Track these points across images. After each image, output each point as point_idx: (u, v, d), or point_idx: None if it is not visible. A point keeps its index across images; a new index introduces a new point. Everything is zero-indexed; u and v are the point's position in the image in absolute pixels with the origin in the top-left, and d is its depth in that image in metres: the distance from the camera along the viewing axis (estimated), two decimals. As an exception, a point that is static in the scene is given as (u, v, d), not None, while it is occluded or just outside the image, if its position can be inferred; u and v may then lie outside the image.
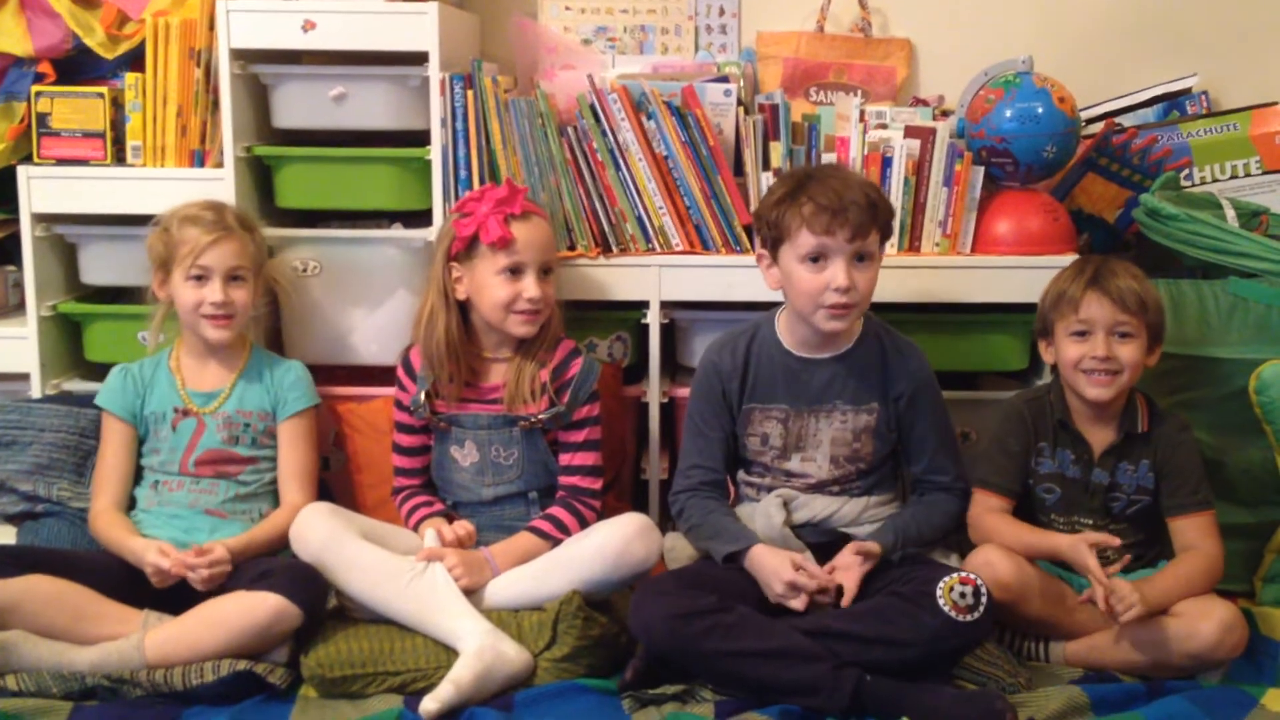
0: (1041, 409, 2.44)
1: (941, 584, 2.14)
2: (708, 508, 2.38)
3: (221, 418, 2.48)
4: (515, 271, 2.42)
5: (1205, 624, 2.19)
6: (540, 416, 2.46)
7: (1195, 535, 2.33)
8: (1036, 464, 2.42)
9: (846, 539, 2.33)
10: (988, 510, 2.40)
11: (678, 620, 2.13)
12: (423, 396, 2.49)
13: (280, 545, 2.40)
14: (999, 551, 2.29)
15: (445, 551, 2.36)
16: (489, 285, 2.43)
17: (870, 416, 2.39)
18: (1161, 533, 2.40)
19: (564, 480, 2.49)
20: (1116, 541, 2.26)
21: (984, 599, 2.13)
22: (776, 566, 2.24)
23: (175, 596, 2.27)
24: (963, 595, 2.13)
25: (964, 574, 2.16)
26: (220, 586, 2.28)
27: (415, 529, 2.49)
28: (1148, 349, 2.36)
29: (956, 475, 2.44)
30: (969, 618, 2.12)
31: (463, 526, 2.43)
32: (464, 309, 2.49)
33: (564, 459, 2.50)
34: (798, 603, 2.21)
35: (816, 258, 2.28)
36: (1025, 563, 2.30)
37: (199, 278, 2.44)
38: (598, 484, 2.51)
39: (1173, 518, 2.36)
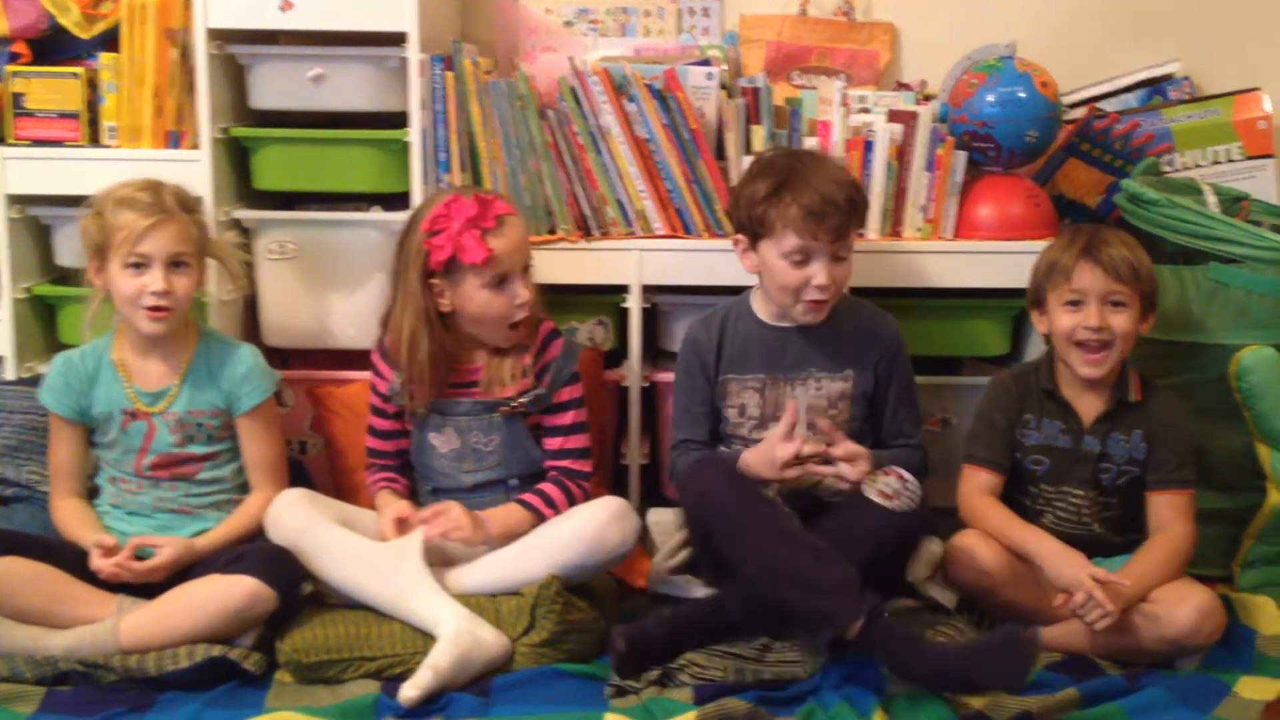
0: (1028, 380, 2.45)
1: (866, 480, 2.22)
2: (701, 458, 2.40)
3: (172, 419, 2.40)
4: (502, 281, 2.39)
5: (1182, 610, 2.19)
6: (521, 400, 2.44)
7: (1170, 514, 2.34)
8: (1023, 435, 2.42)
9: (826, 508, 2.35)
10: (978, 490, 2.40)
11: (735, 488, 2.20)
12: (398, 384, 2.47)
13: (253, 535, 2.37)
14: (981, 537, 2.31)
15: (448, 505, 2.36)
16: (476, 299, 2.38)
17: (846, 383, 2.42)
18: (1139, 509, 2.40)
19: (555, 464, 2.48)
20: (1122, 583, 2.22)
21: (909, 485, 2.21)
22: (763, 453, 2.30)
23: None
24: (887, 484, 2.21)
25: (887, 469, 2.23)
26: (194, 570, 2.26)
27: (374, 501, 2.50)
28: (1141, 317, 2.37)
29: (918, 437, 2.51)
30: (898, 503, 2.20)
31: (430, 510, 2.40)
32: (445, 318, 2.44)
33: (553, 443, 2.48)
34: (791, 472, 2.28)
35: (800, 257, 2.31)
36: (1004, 549, 2.30)
37: (137, 265, 2.32)
38: (589, 466, 2.50)
39: (1152, 491, 2.37)
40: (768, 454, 2.30)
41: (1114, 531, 2.39)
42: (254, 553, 2.26)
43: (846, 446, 2.29)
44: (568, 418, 2.48)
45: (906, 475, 2.22)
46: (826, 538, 2.17)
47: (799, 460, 2.27)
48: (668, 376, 2.69)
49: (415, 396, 2.44)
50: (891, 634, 2.10)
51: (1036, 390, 2.43)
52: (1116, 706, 2.09)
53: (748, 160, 2.67)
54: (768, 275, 2.37)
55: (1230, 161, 2.90)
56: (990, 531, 2.33)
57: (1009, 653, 2.07)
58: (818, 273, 2.31)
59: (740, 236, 2.39)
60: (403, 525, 2.36)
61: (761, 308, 2.45)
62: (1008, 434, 2.42)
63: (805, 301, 2.34)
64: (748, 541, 2.16)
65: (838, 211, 2.29)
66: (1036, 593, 2.30)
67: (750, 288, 2.50)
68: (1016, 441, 2.43)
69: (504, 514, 2.41)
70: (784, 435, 2.30)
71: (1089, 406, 2.41)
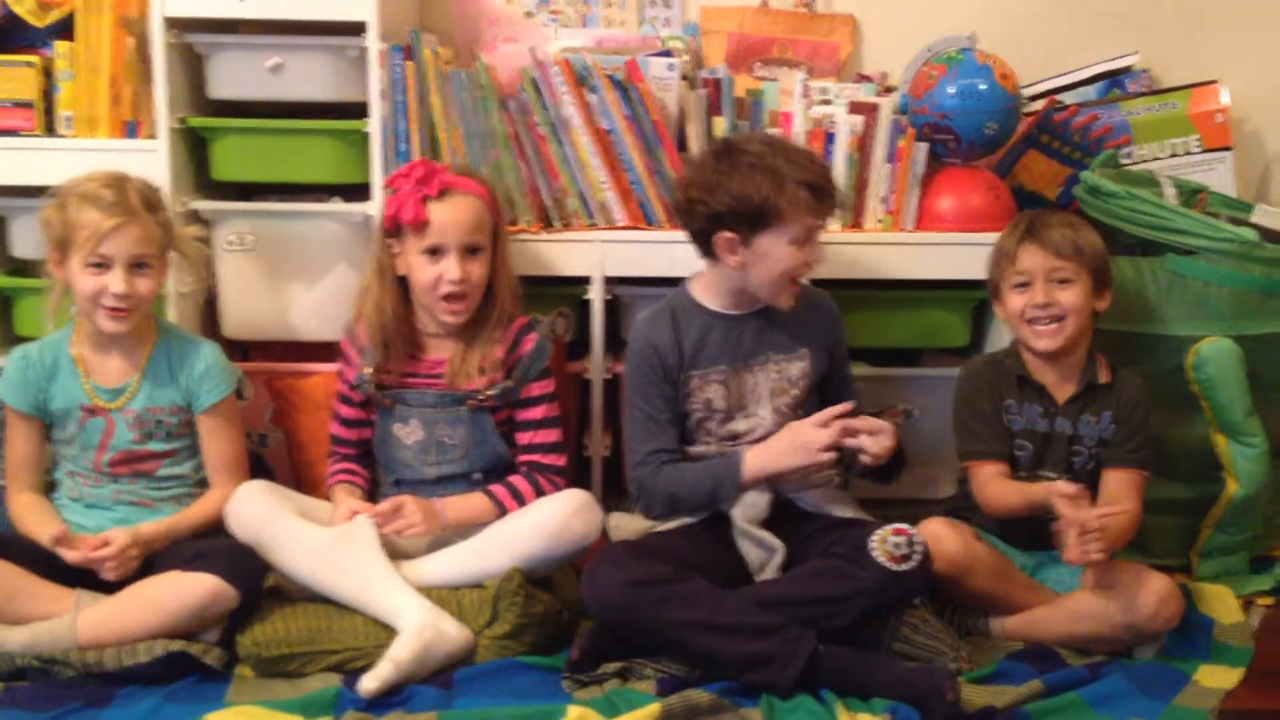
0: (1000, 368, 2.47)
1: (875, 536, 2.18)
2: (679, 471, 2.37)
3: (131, 415, 2.37)
4: (435, 252, 2.39)
5: (1142, 595, 2.22)
6: (489, 394, 2.43)
7: (1123, 492, 2.37)
8: (1008, 422, 2.44)
9: (792, 507, 2.35)
10: (988, 481, 2.40)
11: (633, 587, 2.13)
12: (367, 371, 2.46)
13: (208, 529, 2.35)
14: (945, 525, 2.33)
15: (400, 500, 2.34)
16: (415, 265, 2.41)
17: (802, 362, 2.43)
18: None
19: (525, 458, 2.47)
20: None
21: (918, 547, 2.18)
22: (794, 443, 2.30)
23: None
24: (896, 545, 2.17)
25: (896, 525, 2.20)
26: (155, 566, 2.24)
27: (329, 493, 2.49)
28: (1094, 293, 2.40)
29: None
30: (904, 566, 2.16)
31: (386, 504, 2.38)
32: (405, 285, 2.46)
33: (524, 438, 2.48)
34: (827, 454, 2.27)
35: (804, 239, 2.31)
36: (971, 537, 2.33)
37: (99, 265, 2.28)
38: (561, 460, 2.49)
39: (1108, 468, 2.40)
40: (801, 441, 2.29)
41: None
42: (216, 550, 2.24)
43: (868, 421, 2.28)
44: (538, 412, 2.48)
45: (915, 535, 2.19)
46: (824, 592, 2.17)
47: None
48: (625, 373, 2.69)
49: (377, 365, 2.44)
50: (831, 665, 2.10)
51: (1012, 376, 2.45)
52: (1078, 696, 2.11)
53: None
54: (762, 266, 2.33)
55: (1188, 154, 2.92)
56: (1007, 501, 2.34)
57: (930, 687, 2.06)
58: (815, 251, 2.34)
59: (728, 235, 2.32)
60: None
61: (710, 298, 2.42)
62: (996, 418, 2.44)
63: (795, 285, 2.36)
64: (661, 635, 2.15)
65: (831, 184, 2.35)
66: (1000, 581, 2.32)
67: (684, 280, 2.48)
68: (1006, 429, 2.44)
69: (463, 503, 2.40)
70: (823, 421, 2.28)
71: (1060, 389, 2.43)
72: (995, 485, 2.39)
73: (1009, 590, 2.32)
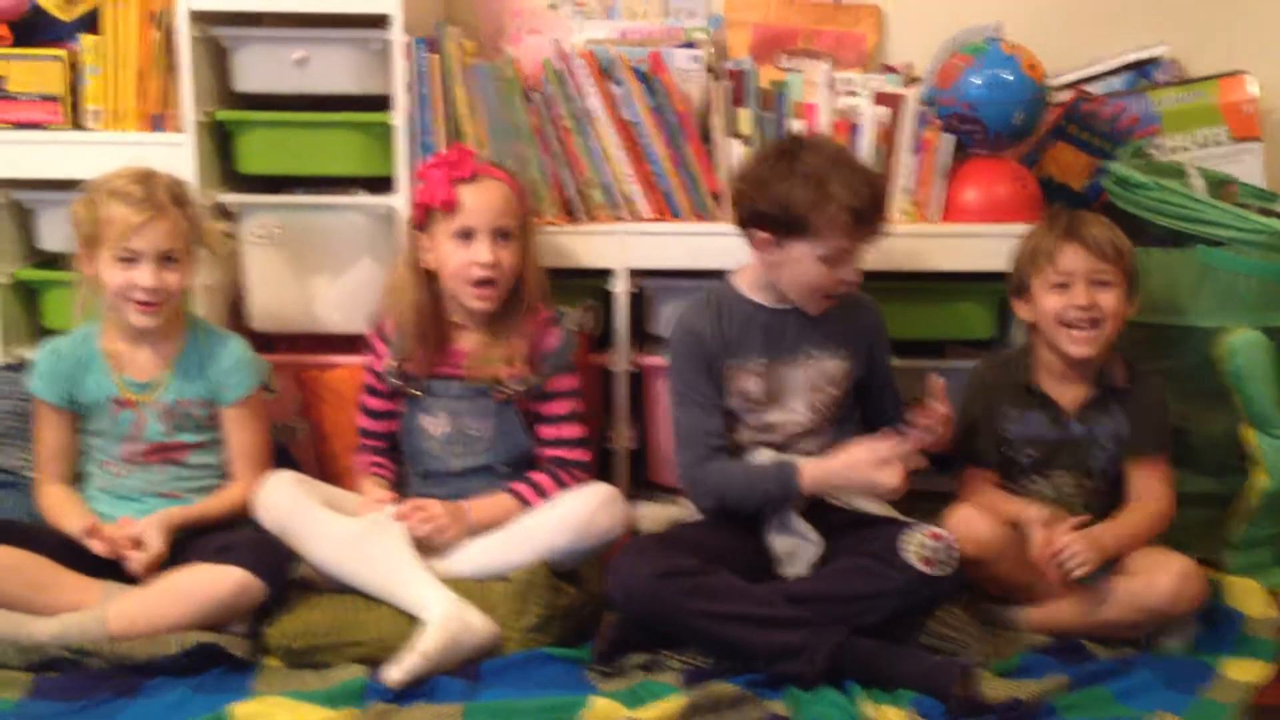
0: (1005, 372, 2.46)
1: (909, 539, 2.18)
2: (725, 469, 2.36)
3: (160, 408, 2.39)
4: (466, 236, 2.40)
5: (1162, 577, 2.21)
6: (515, 388, 2.43)
7: (1148, 480, 2.38)
8: (1003, 429, 2.42)
9: (821, 502, 2.34)
10: (972, 489, 2.42)
11: (659, 580, 2.13)
12: (394, 364, 2.46)
13: (230, 521, 2.36)
14: (976, 510, 2.32)
15: (425, 503, 2.35)
16: (445, 251, 2.41)
17: (842, 362, 2.42)
18: (1120, 490, 2.42)
19: (548, 453, 2.48)
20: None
21: (952, 551, 2.17)
22: (854, 463, 2.26)
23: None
24: (929, 549, 2.17)
25: (929, 528, 2.19)
26: (182, 558, 2.25)
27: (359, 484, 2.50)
28: (1127, 298, 2.38)
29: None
30: (936, 570, 2.16)
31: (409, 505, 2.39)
32: (434, 280, 2.46)
33: (547, 432, 2.48)
34: (895, 479, 2.22)
35: (837, 258, 2.30)
36: (1002, 524, 2.31)
37: (128, 260, 2.31)
38: (585, 455, 2.49)
39: (1130, 459, 2.39)
40: (860, 478, 2.26)
41: (1101, 514, 2.40)
42: (243, 542, 2.25)
43: (921, 423, 2.28)
44: (562, 407, 2.48)
45: (949, 538, 2.18)
46: (853, 590, 2.17)
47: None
48: (654, 361, 2.69)
49: (404, 358, 2.44)
50: (856, 658, 2.11)
51: (1015, 383, 2.43)
52: (1103, 689, 2.10)
53: (734, 144, 2.67)
54: (791, 270, 2.33)
55: (1217, 144, 2.90)
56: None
57: (949, 679, 2.06)
58: (848, 270, 2.32)
59: (763, 234, 2.33)
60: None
61: (754, 291, 2.42)
62: (988, 427, 2.43)
63: (826, 296, 2.35)
64: (686, 627, 2.15)
65: (878, 209, 2.32)
66: (1028, 569, 2.31)
67: (728, 272, 2.48)
68: (999, 436, 2.43)
69: (489, 504, 2.41)
70: (882, 460, 2.24)
71: (1071, 395, 2.41)
72: (975, 494, 2.40)
73: (1037, 580, 2.31)
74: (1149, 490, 2.37)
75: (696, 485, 2.38)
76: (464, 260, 2.39)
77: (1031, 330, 2.48)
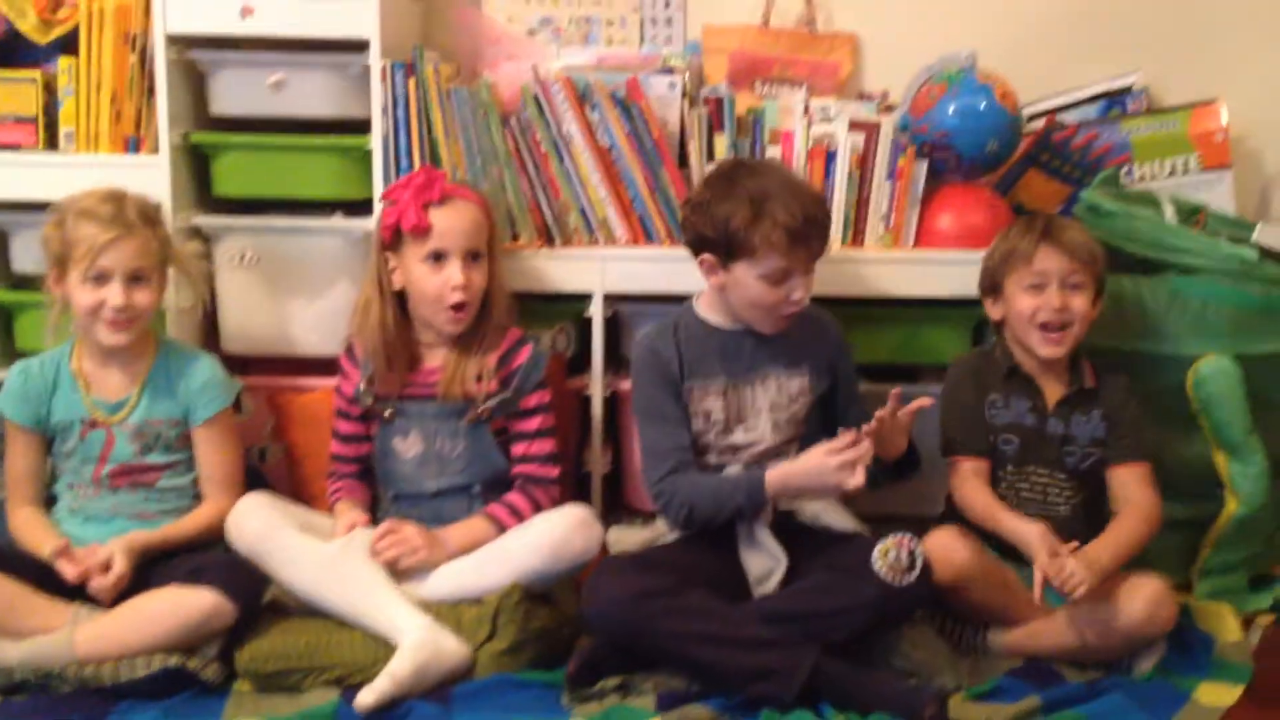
0: (988, 360, 2.49)
1: (877, 549, 2.18)
2: (693, 480, 2.35)
3: (130, 429, 2.38)
4: (438, 258, 2.40)
5: (1134, 601, 2.23)
6: (487, 405, 2.43)
7: (1134, 485, 2.40)
8: (992, 415, 2.45)
9: (790, 521, 2.35)
10: (965, 477, 2.43)
11: (634, 600, 2.13)
12: (364, 385, 2.46)
13: (201, 543, 2.35)
14: (957, 535, 2.33)
15: (399, 524, 2.35)
16: (416, 274, 2.41)
17: (803, 379, 2.42)
18: (1104, 495, 2.44)
19: (520, 469, 2.47)
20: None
21: (918, 559, 2.18)
22: (809, 464, 2.25)
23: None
24: (898, 558, 2.17)
25: (896, 536, 2.20)
26: (152, 580, 2.23)
27: (332, 508, 2.50)
28: (1095, 300, 2.43)
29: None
30: (906, 579, 2.16)
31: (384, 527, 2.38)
32: (403, 299, 2.47)
33: (519, 449, 2.48)
34: (857, 478, 2.21)
35: (779, 276, 2.30)
36: (981, 548, 2.33)
37: (98, 279, 2.30)
38: (555, 471, 2.49)
39: (1113, 466, 2.42)
40: (819, 479, 2.25)
41: (1081, 518, 2.42)
42: (215, 564, 2.24)
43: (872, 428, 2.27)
44: (534, 423, 2.48)
45: (915, 546, 2.19)
46: (827, 606, 2.17)
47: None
48: (629, 384, 2.69)
49: (373, 379, 2.44)
50: (830, 680, 2.10)
51: (1000, 369, 2.46)
52: (1078, 713, 2.10)
53: (710, 169, 2.68)
54: (738, 292, 2.35)
55: (1187, 173, 2.92)
56: (974, 512, 2.37)
57: (920, 702, 2.06)
58: (795, 288, 2.31)
59: (708, 257, 2.35)
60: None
61: (713, 313, 2.43)
62: (979, 412, 2.45)
63: (778, 316, 2.35)
64: (661, 647, 2.15)
65: (817, 230, 2.31)
66: (1004, 594, 2.33)
67: (687, 298, 2.49)
68: (989, 423, 2.45)
69: (466, 530, 2.40)
70: (835, 450, 2.23)
71: (1051, 389, 2.45)
72: (970, 486, 2.41)
73: (1012, 604, 2.32)
74: (1134, 495, 2.39)
75: (666, 499, 2.37)
76: (437, 284, 2.40)
77: (999, 328, 2.50)
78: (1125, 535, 2.32)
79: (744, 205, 2.28)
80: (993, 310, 2.50)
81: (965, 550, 2.30)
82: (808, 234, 2.29)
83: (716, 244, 2.32)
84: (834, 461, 2.22)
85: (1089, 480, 2.44)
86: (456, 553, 2.36)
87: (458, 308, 2.41)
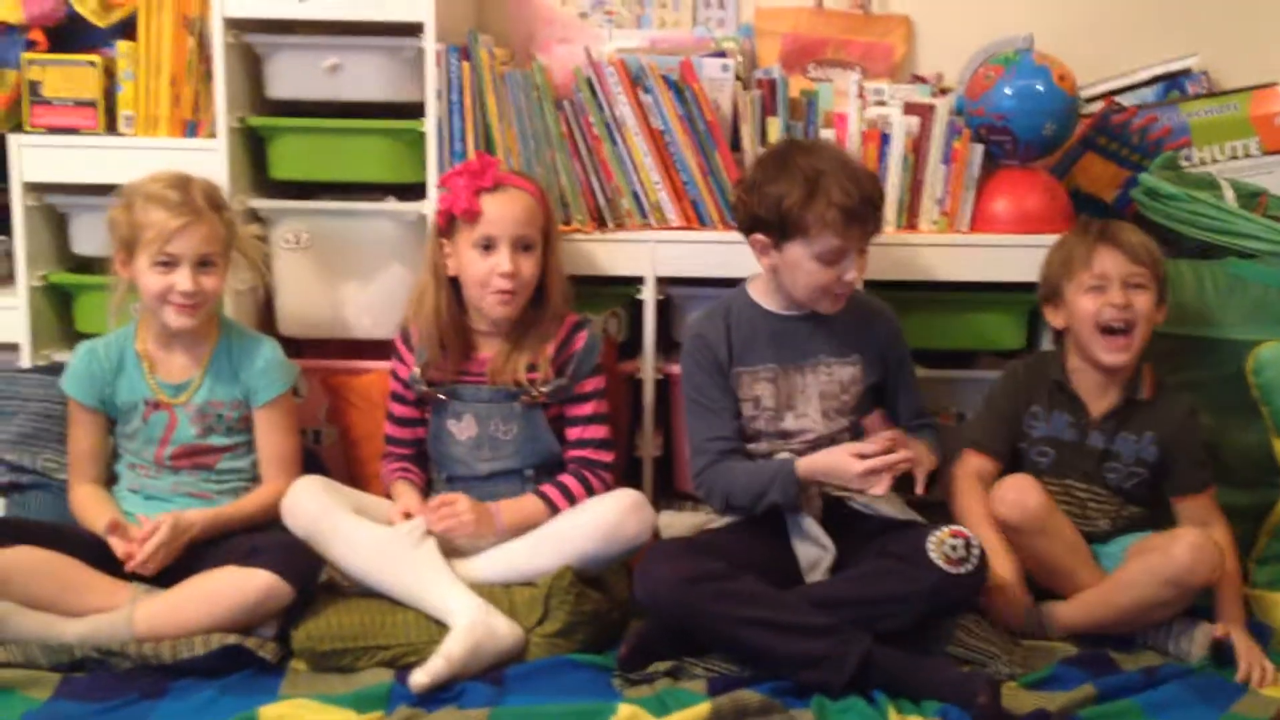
0: (1040, 369, 2.46)
1: (932, 538, 2.17)
2: (730, 469, 2.36)
3: (193, 410, 2.41)
4: (488, 246, 2.40)
5: (1177, 546, 2.23)
6: (541, 390, 2.44)
7: (1203, 516, 2.38)
8: (1030, 427, 2.43)
9: (843, 507, 2.33)
10: (968, 474, 2.43)
11: (686, 584, 2.13)
12: (419, 371, 2.47)
13: (257, 523, 2.37)
14: (1030, 481, 2.34)
15: (452, 497, 2.36)
16: (467, 260, 2.42)
17: (854, 368, 2.41)
18: (1159, 508, 2.43)
19: (574, 454, 2.48)
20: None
21: (975, 549, 2.17)
22: (834, 461, 2.26)
23: (164, 569, 2.25)
24: (954, 548, 2.16)
25: (953, 527, 2.19)
26: (209, 560, 2.26)
27: (388, 490, 2.51)
28: (1157, 303, 2.39)
29: (930, 415, 2.54)
30: (962, 569, 2.15)
31: (436, 500, 2.40)
32: (458, 287, 2.48)
33: (573, 433, 2.49)
34: (880, 486, 2.22)
35: (833, 257, 2.29)
36: (1052, 500, 2.34)
37: (166, 264, 2.32)
38: (610, 457, 2.49)
39: (1178, 498, 2.40)
40: (837, 462, 2.26)
41: (1124, 530, 2.40)
42: (272, 545, 2.26)
43: (903, 447, 2.27)
44: (588, 408, 2.48)
45: (971, 537, 2.18)
46: (880, 593, 2.17)
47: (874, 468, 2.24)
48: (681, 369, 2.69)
49: (428, 363, 2.46)
50: (882, 667, 2.10)
51: (1048, 381, 2.44)
52: (1134, 702, 2.09)
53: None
54: (791, 273, 2.34)
55: (1248, 156, 2.88)
56: (957, 516, 2.39)
57: (974, 690, 2.05)
58: (848, 268, 2.31)
59: (760, 237, 2.35)
60: (410, 519, 2.37)
61: (765, 298, 2.42)
62: (1012, 423, 2.44)
63: (832, 295, 2.34)
64: (712, 631, 2.16)
65: (872, 209, 2.31)
66: (1071, 554, 2.34)
67: (745, 280, 2.48)
68: (1022, 432, 2.44)
69: (517, 506, 2.41)
70: (858, 453, 2.25)
71: (1099, 402, 2.42)
72: (966, 483, 2.42)
73: (1075, 564, 2.33)
74: (1204, 521, 2.37)
75: (706, 490, 2.39)
76: (485, 269, 2.40)
77: (1061, 337, 2.47)
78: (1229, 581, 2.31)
79: (798, 184, 2.27)
80: (1054, 318, 2.47)
81: (1039, 493, 2.31)
82: (863, 212, 2.28)
83: (770, 224, 2.32)
84: (857, 467, 2.22)
85: (1133, 498, 2.41)
86: (507, 527, 2.37)
87: (502, 292, 2.41)
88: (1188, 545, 2.22)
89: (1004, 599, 2.30)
